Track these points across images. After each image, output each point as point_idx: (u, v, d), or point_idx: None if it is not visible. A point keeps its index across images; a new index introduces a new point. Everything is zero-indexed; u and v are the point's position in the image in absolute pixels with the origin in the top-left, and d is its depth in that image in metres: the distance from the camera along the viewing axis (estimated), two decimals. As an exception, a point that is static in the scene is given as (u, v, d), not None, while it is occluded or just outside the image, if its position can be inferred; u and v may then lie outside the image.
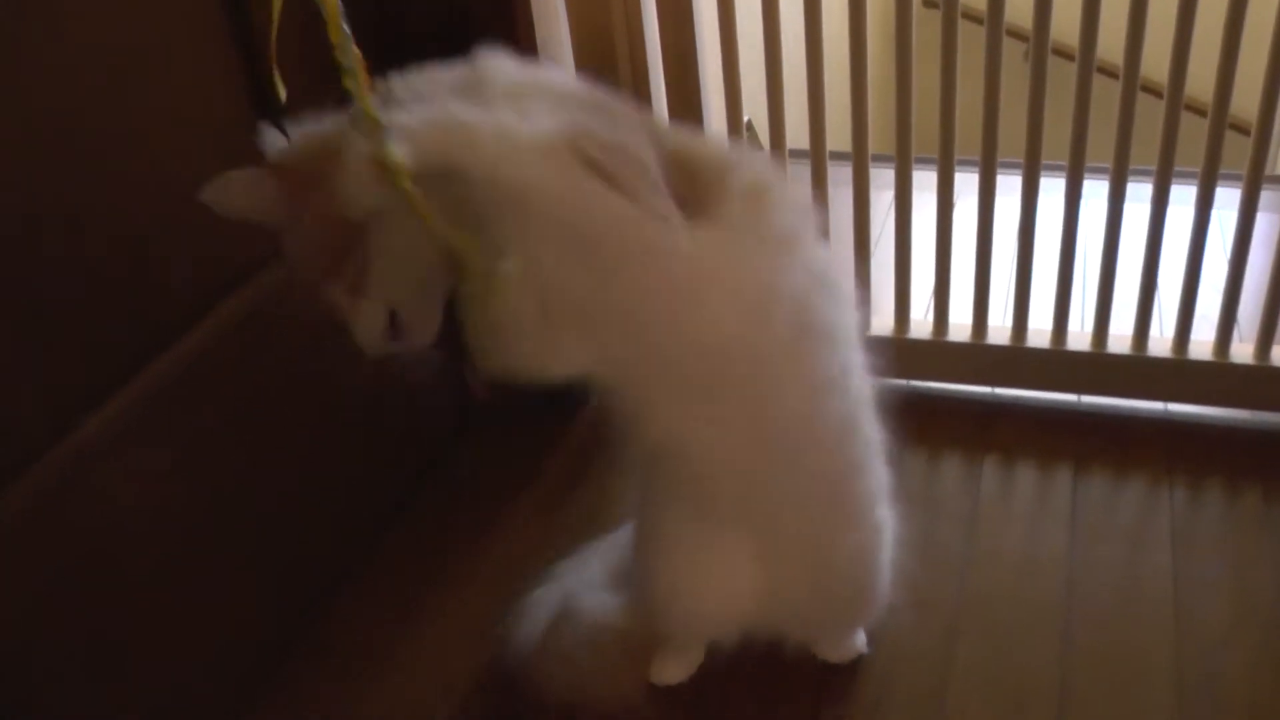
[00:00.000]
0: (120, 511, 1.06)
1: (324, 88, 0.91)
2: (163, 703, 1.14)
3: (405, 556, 1.46)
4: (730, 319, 0.97)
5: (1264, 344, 1.57)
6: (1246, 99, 1.40)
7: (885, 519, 1.18)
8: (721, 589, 1.14)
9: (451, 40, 1.40)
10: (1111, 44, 1.40)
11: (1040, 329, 1.66)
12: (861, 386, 1.10)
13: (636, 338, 0.99)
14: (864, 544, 1.16)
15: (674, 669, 1.26)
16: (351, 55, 0.86)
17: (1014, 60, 1.46)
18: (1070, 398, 1.68)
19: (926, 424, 1.66)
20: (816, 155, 1.58)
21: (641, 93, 1.58)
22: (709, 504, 1.10)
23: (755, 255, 0.98)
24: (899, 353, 1.71)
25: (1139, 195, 1.51)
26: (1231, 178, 1.50)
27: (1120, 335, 1.63)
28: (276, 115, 1.03)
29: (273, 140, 0.95)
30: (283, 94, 0.97)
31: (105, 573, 1.05)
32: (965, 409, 1.69)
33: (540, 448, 1.59)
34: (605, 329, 0.98)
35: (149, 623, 1.11)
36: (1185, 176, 1.51)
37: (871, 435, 1.13)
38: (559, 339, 0.98)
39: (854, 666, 1.27)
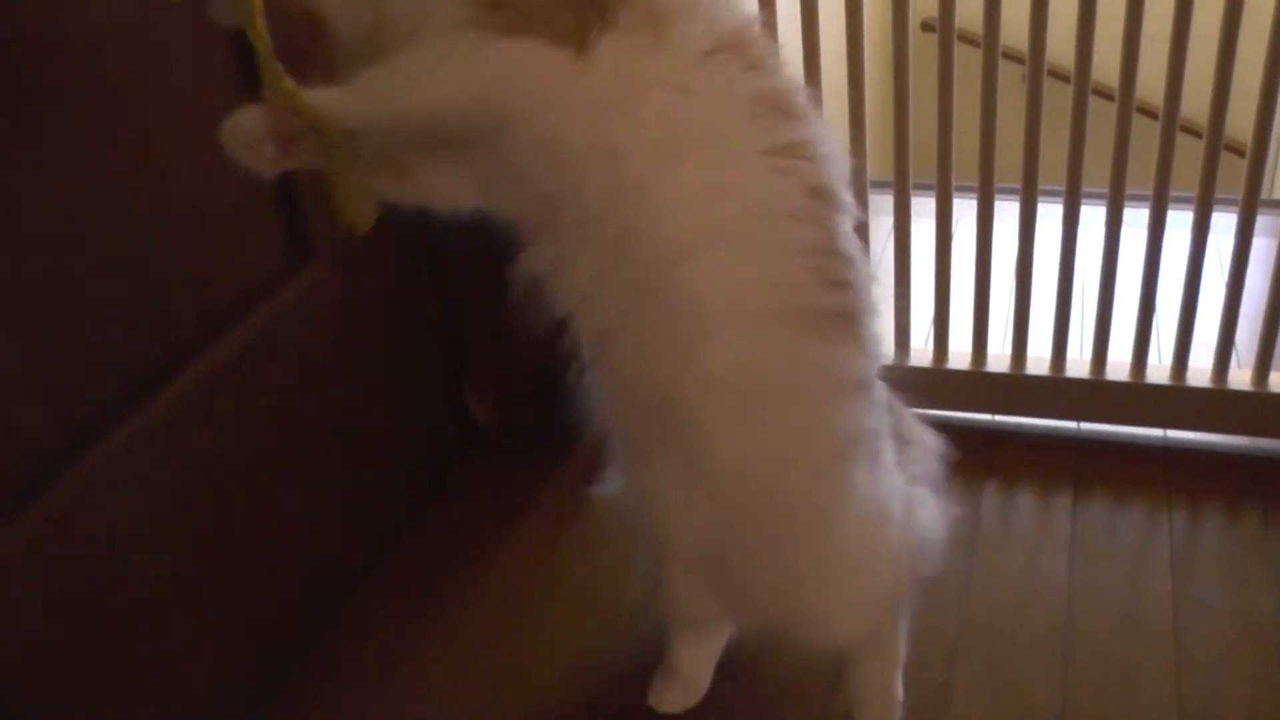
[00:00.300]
0: (122, 539, 1.06)
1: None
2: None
3: (405, 581, 1.45)
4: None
5: (1261, 370, 1.57)
6: (1244, 120, 1.41)
7: (882, 503, 1.08)
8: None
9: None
10: (1107, 67, 1.41)
11: (1040, 356, 1.66)
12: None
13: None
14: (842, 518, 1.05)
15: (674, 695, 1.25)
16: None
17: (1013, 82, 1.47)
18: (1070, 424, 1.69)
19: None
20: None
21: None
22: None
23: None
24: (899, 380, 1.71)
25: (1137, 220, 1.51)
26: (1228, 202, 1.51)
27: (1119, 362, 1.63)
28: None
29: None
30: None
31: (104, 602, 1.05)
32: (965, 436, 1.67)
33: (540, 473, 1.59)
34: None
35: (151, 646, 1.11)
36: (1182, 201, 1.52)
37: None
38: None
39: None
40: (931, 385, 1.70)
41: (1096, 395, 1.64)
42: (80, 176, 1.00)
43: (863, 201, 1.56)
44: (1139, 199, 1.51)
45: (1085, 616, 1.34)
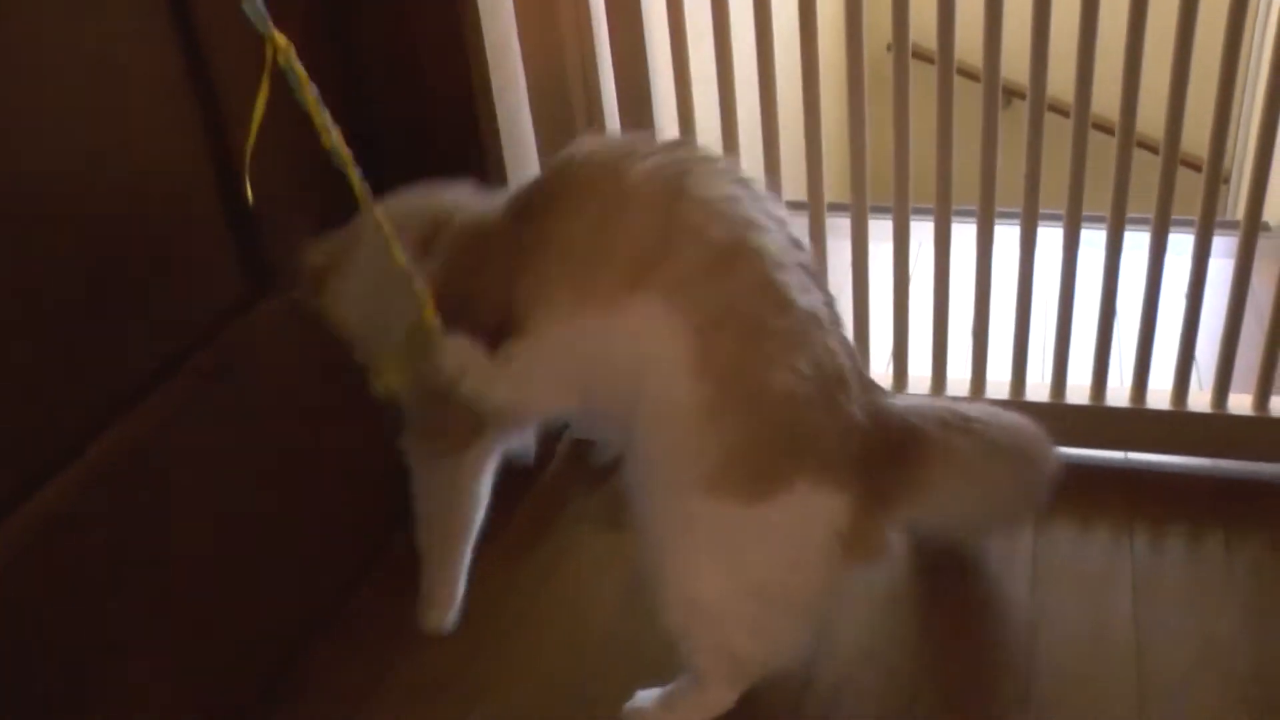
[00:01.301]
0: (85, 566, 1.03)
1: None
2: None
3: (376, 607, 1.43)
4: None
5: (1221, 392, 1.56)
6: (1201, 133, 1.41)
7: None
8: None
9: (402, 82, 1.40)
10: (1067, 84, 1.41)
11: (1000, 380, 1.64)
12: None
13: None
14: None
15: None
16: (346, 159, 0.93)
17: (971, 100, 1.46)
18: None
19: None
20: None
21: (596, 125, 1.58)
22: None
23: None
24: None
25: (1096, 241, 1.51)
26: (1185, 223, 1.50)
27: (1079, 385, 1.62)
28: (245, 216, 1.07)
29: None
30: (250, 198, 0.98)
31: (52, 650, 1.01)
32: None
33: (508, 496, 1.56)
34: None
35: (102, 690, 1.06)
36: (1139, 222, 1.51)
37: None
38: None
39: None
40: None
41: (1056, 418, 1.61)
42: (29, 211, 0.97)
43: (819, 229, 1.55)
44: (1097, 220, 1.50)
45: (1047, 639, 1.32)
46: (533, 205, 1.08)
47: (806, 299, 1.05)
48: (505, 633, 1.38)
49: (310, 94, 0.88)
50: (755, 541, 1.04)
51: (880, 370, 1.70)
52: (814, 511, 1.03)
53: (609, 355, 1.04)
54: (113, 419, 1.07)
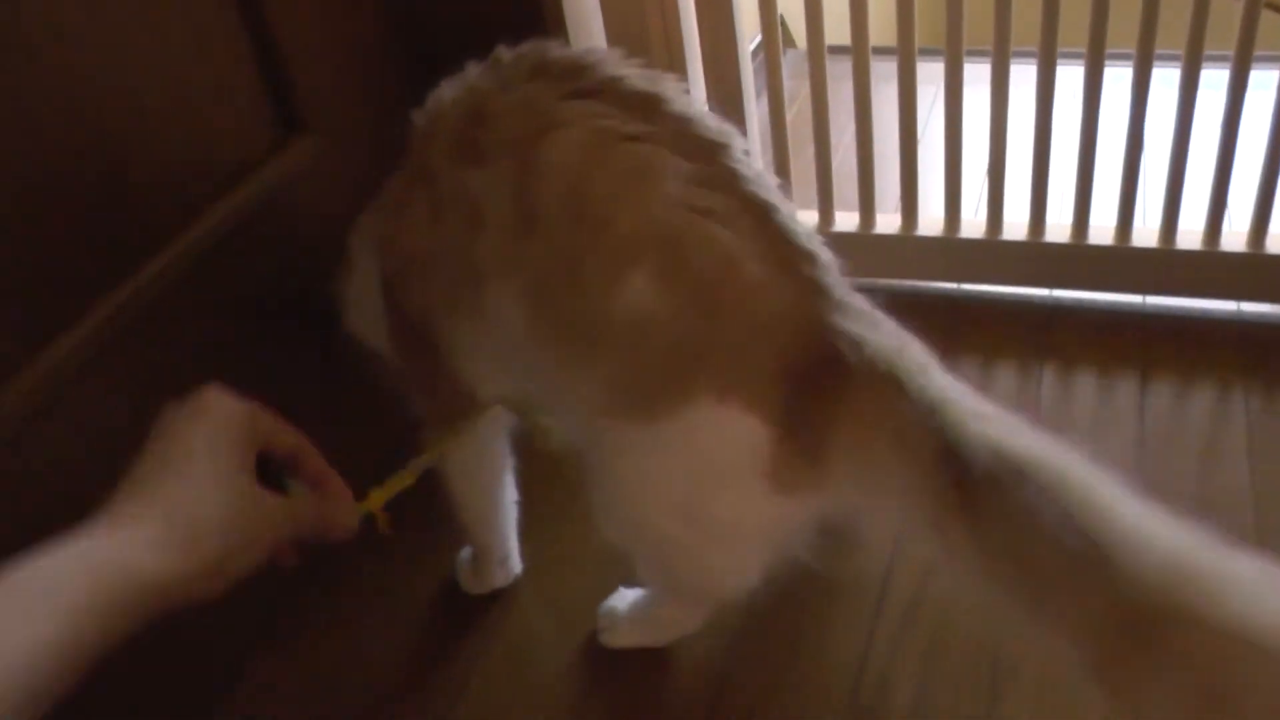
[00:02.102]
0: (81, 448, 0.98)
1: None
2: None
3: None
4: None
5: (1259, 230, 1.46)
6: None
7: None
8: None
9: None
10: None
11: (1103, 225, 1.54)
12: None
13: None
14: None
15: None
16: None
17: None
18: (1135, 299, 1.57)
19: (980, 329, 1.56)
20: (859, 51, 1.44)
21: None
22: None
23: None
24: (950, 254, 1.60)
25: (1120, 77, 1.40)
26: (1219, 58, 1.37)
27: (1190, 230, 1.51)
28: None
29: None
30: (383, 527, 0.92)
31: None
32: (1022, 313, 1.59)
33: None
34: None
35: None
36: (1168, 59, 1.39)
37: None
38: None
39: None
40: (986, 258, 1.59)
41: (1165, 266, 1.52)
42: (48, 61, 0.90)
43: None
44: (1123, 57, 1.39)
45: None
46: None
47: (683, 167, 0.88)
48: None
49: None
50: (666, 459, 0.93)
51: (972, 216, 1.61)
52: (721, 430, 0.89)
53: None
54: (135, 269, 1.02)
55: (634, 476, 0.97)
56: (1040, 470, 0.78)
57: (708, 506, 0.94)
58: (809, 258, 0.88)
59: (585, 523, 1.05)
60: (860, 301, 0.89)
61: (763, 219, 0.88)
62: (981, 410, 0.83)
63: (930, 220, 1.60)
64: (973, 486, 0.79)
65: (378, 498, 0.90)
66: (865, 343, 0.85)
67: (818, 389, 0.86)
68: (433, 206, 0.97)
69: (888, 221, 1.61)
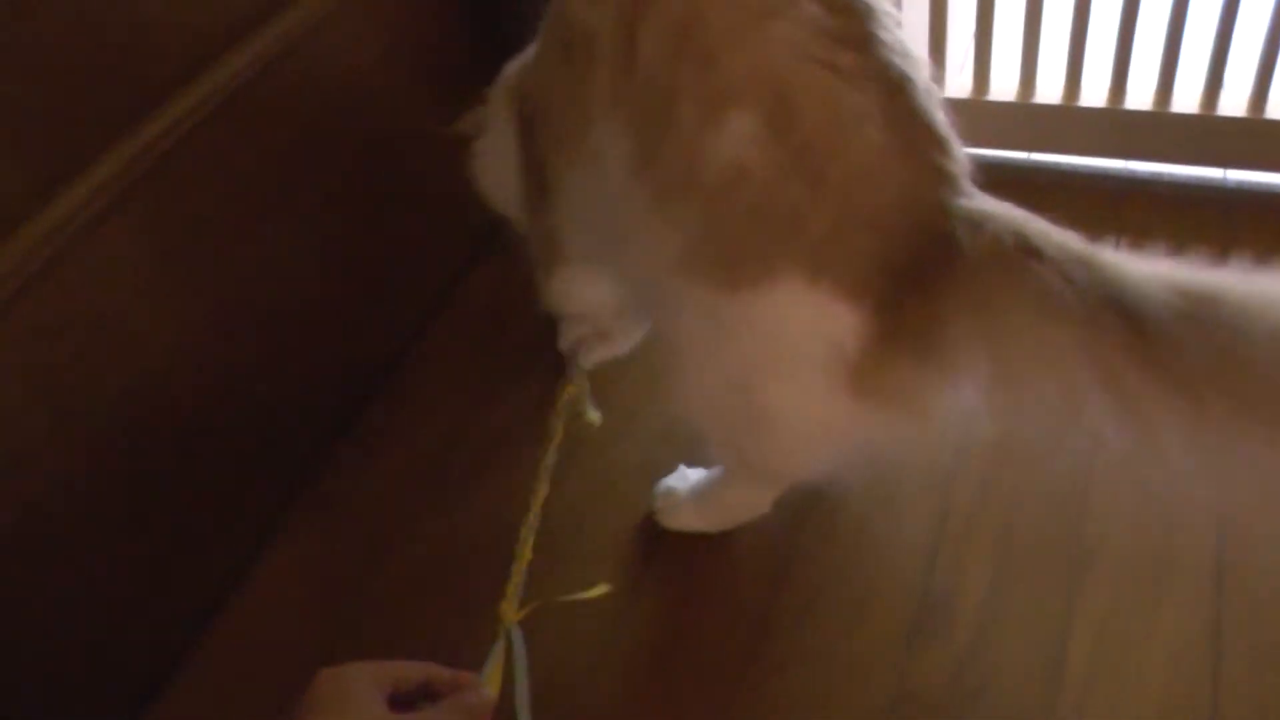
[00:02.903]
0: (101, 301, 0.92)
1: None
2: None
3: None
4: None
5: None
6: None
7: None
8: None
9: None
10: None
11: (1186, 92, 1.44)
12: None
13: None
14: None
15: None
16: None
17: None
18: (1216, 173, 1.48)
19: (1050, 202, 1.46)
20: None
21: None
22: None
23: None
24: (1022, 121, 1.51)
25: None
26: None
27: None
28: None
29: None
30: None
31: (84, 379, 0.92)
32: (1095, 185, 1.50)
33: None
34: None
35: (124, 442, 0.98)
36: None
37: None
38: None
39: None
40: (1059, 126, 1.50)
41: (1251, 137, 1.43)
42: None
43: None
44: None
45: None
46: None
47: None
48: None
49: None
50: (737, 332, 0.86)
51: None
52: (805, 316, 0.82)
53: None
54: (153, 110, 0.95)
55: (700, 349, 0.90)
56: (1234, 292, 0.72)
57: (781, 389, 0.88)
58: (939, 144, 0.81)
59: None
60: (985, 199, 0.82)
61: (895, 91, 0.80)
62: (1131, 257, 0.76)
63: (1003, 85, 1.50)
64: (1160, 327, 0.72)
65: (509, 610, 0.92)
66: (986, 222, 0.78)
67: (929, 285, 0.79)
68: (564, 48, 0.91)
69: (957, 84, 1.52)
